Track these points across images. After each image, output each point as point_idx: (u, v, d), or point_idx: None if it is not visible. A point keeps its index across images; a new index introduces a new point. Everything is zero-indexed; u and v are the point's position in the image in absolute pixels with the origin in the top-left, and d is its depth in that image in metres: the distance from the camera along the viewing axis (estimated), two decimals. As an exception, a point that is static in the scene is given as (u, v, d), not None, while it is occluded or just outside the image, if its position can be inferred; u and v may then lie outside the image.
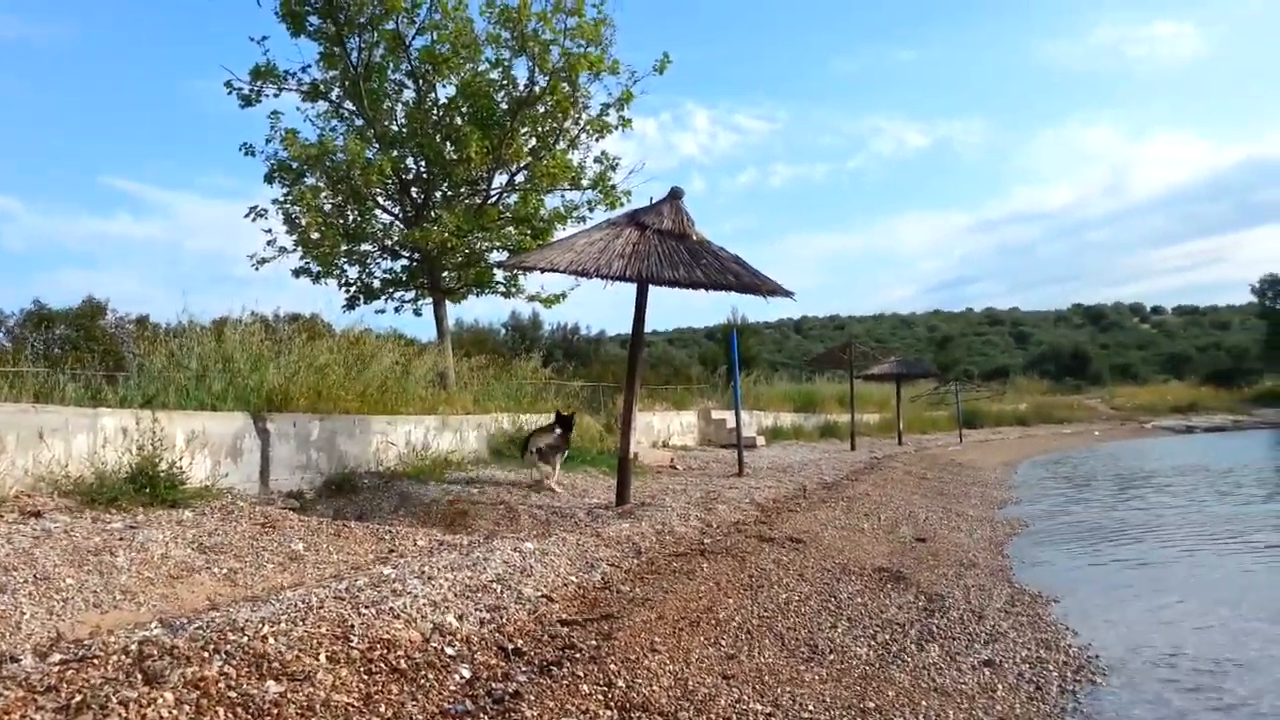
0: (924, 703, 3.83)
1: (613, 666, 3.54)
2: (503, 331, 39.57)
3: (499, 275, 15.18)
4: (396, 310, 15.96)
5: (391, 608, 3.96)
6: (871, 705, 3.68)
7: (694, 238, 8.41)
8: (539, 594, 4.61)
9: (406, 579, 4.53)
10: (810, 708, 3.53)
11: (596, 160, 14.74)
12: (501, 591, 4.53)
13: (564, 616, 4.33)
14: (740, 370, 23.37)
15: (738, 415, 14.93)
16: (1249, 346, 65.50)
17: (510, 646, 3.77)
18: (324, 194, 14.25)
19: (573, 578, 5.11)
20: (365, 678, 3.25)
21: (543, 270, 8.53)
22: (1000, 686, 4.22)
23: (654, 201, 8.68)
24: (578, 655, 3.66)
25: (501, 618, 4.13)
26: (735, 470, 13.85)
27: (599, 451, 13.95)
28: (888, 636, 4.82)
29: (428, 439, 11.37)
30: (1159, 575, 7.92)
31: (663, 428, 19.23)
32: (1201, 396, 51.30)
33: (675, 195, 8.61)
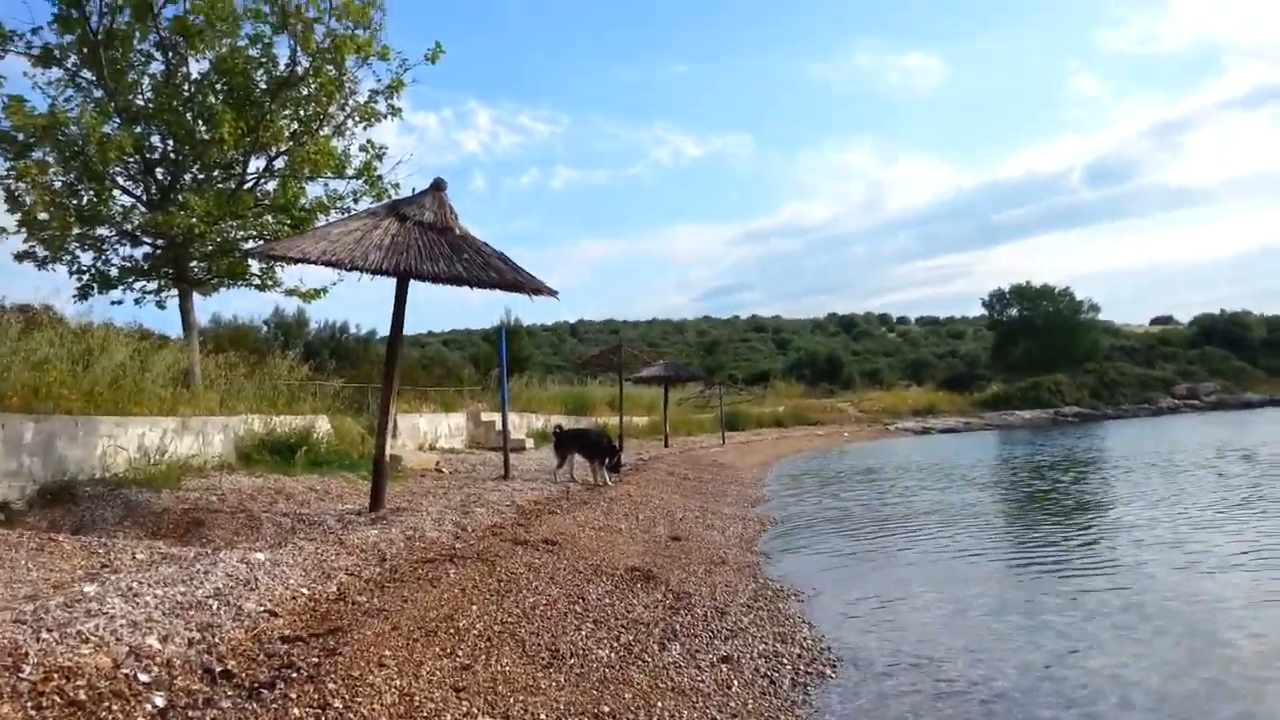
0: (659, 704, 3.84)
1: (331, 686, 3.29)
2: (265, 328, 37.25)
3: (254, 266, 14.15)
4: (137, 302, 14.52)
5: (81, 631, 3.51)
6: (606, 710, 3.64)
7: (457, 231, 8.16)
8: (261, 609, 4.25)
9: (107, 597, 4.05)
10: (542, 716, 3.44)
11: (362, 149, 14.06)
12: (218, 608, 4.14)
13: (287, 632, 4.01)
14: (511, 373, 23.20)
15: (504, 418, 14.74)
16: (979, 354, 72.40)
17: (219, 669, 3.42)
18: (54, 170, 12.73)
19: (304, 589, 4.76)
20: (33, 713, 2.84)
21: (293, 261, 7.99)
22: (736, 682, 4.31)
23: (416, 192, 8.37)
24: (294, 675, 3.38)
25: (214, 637, 3.76)
26: (501, 473, 13.67)
27: (360, 456, 13.35)
28: (631, 637, 4.82)
29: (164, 443, 10.40)
30: (890, 567, 8.51)
31: (430, 430, 18.71)
32: (938, 400, 56.06)
33: (438, 187, 8.34)
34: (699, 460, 22.74)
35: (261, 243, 13.47)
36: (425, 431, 18.39)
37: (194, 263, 13.84)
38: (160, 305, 14.39)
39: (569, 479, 13.16)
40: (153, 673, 3.28)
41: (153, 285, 14.12)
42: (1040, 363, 58.92)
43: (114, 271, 13.66)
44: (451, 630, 4.37)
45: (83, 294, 13.51)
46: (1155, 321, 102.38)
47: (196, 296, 14.42)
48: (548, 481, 12.85)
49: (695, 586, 6.51)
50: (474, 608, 4.91)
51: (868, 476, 19.75)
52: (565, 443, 13.42)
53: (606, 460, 13.08)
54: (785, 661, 4.72)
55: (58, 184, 12.95)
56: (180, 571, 4.88)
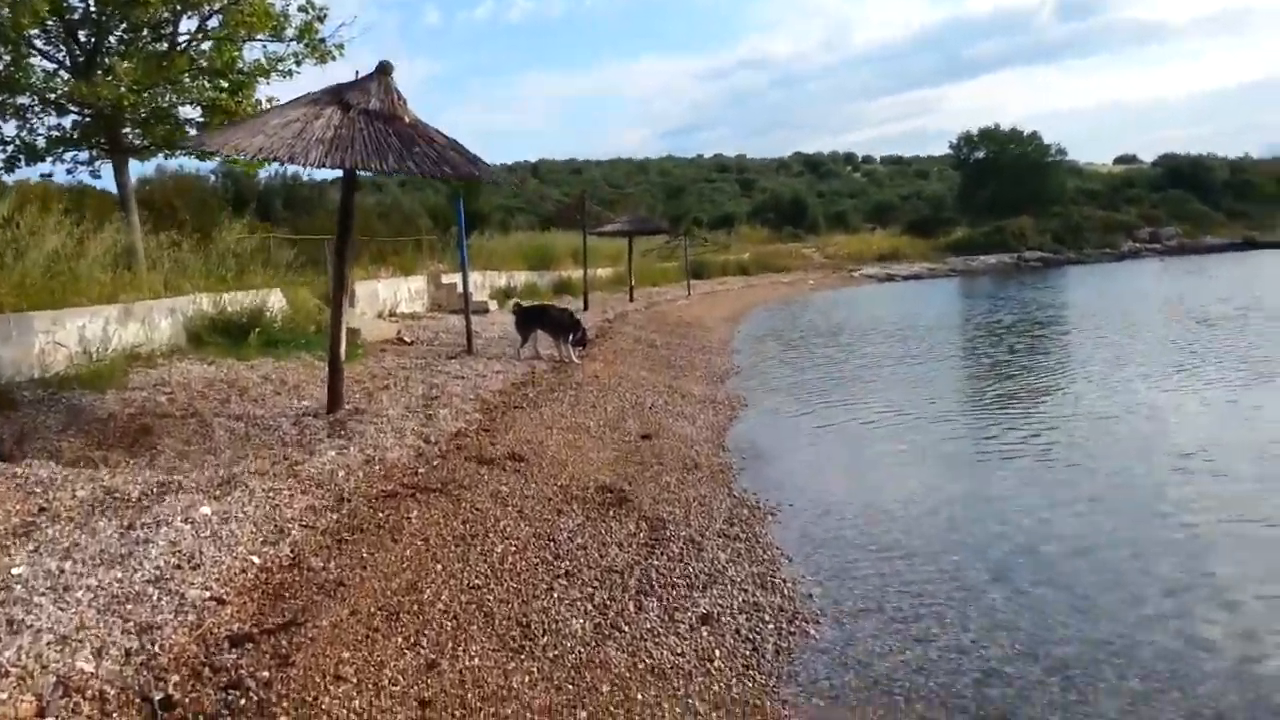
0: (640, 696, 3.63)
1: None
2: (212, 178, 35.58)
3: (192, 133, 13.20)
4: (69, 173, 13.62)
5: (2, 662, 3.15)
6: (584, 716, 3.42)
7: (406, 120, 7.46)
8: (207, 594, 3.93)
9: (35, 596, 3.69)
10: (517, 734, 3.21)
11: (300, 9, 12.89)
12: (159, 598, 3.81)
13: (236, 628, 3.70)
14: (471, 230, 22.42)
15: (465, 293, 14.23)
16: (944, 196, 71.81)
17: (159, 696, 3.12)
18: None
19: (254, 557, 4.44)
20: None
21: (225, 156, 7.30)
22: (718, 653, 4.11)
23: (359, 77, 7.59)
24: (243, 702, 3.09)
25: (155, 644, 3.44)
26: (464, 346, 13.29)
27: (316, 330, 12.79)
28: (606, 595, 4.60)
29: (108, 333, 9.81)
30: (865, 463, 8.40)
31: (389, 296, 18.14)
32: (902, 245, 55.88)
33: (384, 70, 7.56)
34: (665, 318, 22.49)
35: (199, 109, 12.48)
36: (384, 298, 17.83)
37: (127, 130, 12.85)
38: (95, 175, 13.50)
39: (533, 355, 12.83)
40: (85, 711, 2.96)
41: (84, 155, 13.16)
42: (1006, 206, 58.61)
43: (40, 142, 12.67)
44: (416, 606, 4.10)
45: (8, 166, 12.63)
46: (1119, 160, 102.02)
47: (135, 163, 13.51)
48: (512, 359, 12.50)
49: (669, 509, 6.29)
50: (439, 567, 4.63)
51: (831, 340, 19.64)
52: (526, 321, 13.00)
53: (570, 336, 12.71)
54: (767, 617, 4.53)
55: (-33, 48, 11.79)
56: (119, 535, 4.52)
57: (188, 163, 19.74)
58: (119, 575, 3.98)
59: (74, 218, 11.28)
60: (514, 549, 5.07)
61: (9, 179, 14.67)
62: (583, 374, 11.69)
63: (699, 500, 6.66)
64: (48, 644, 3.29)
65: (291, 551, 4.62)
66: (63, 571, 3.99)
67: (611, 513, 6.03)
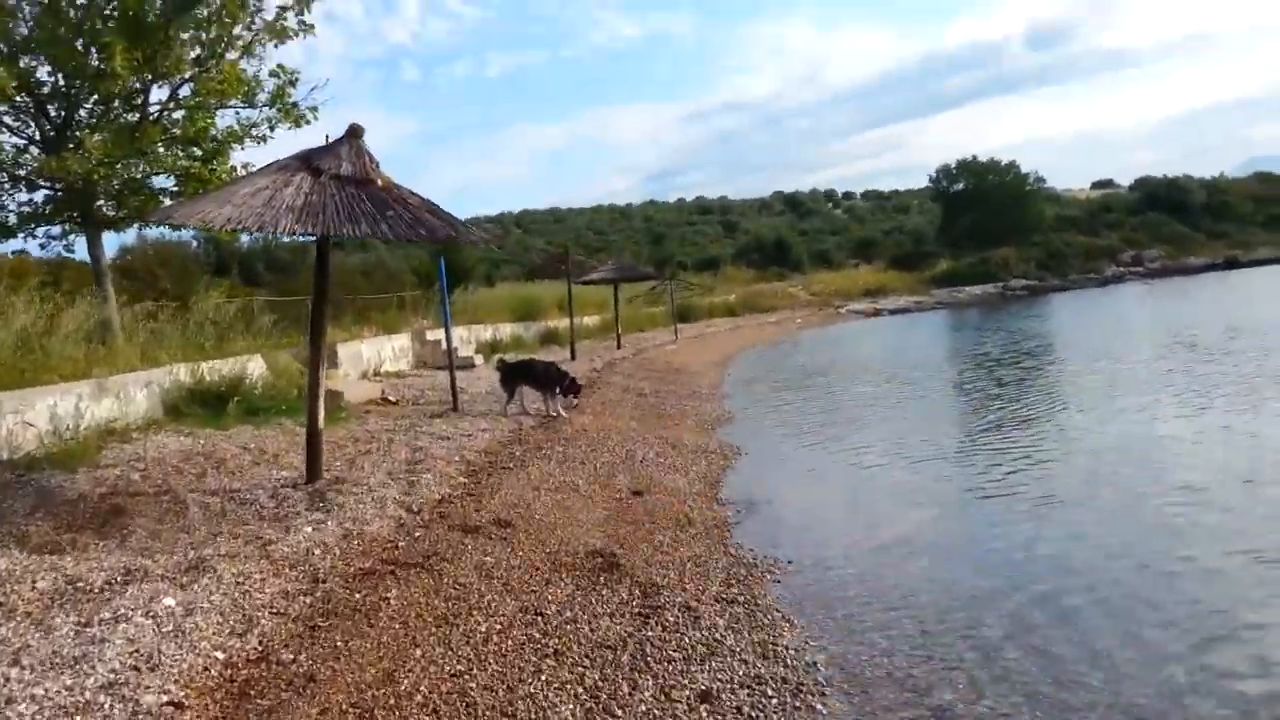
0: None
1: None
2: (194, 244, 35.45)
3: (168, 203, 13.02)
4: (42, 248, 13.42)
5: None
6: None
7: (379, 183, 7.27)
8: (165, 699, 3.64)
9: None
10: None
11: (273, 74, 12.78)
12: (112, 707, 3.52)
13: (194, 738, 3.41)
14: (455, 286, 22.25)
15: (449, 347, 14.01)
16: (926, 229, 72.31)
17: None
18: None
19: (219, 653, 4.15)
20: None
21: (194, 228, 7.10)
22: (718, 736, 3.83)
23: (330, 141, 7.42)
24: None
25: (102, 764, 3.15)
26: (450, 404, 13.04)
27: (298, 394, 12.51)
28: (598, 676, 4.30)
29: (80, 410, 9.50)
30: (863, 510, 8.14)
31: (373, 355, 17.88)
32: (888, 280, 56.13)
33: (355, 133, 7.38)
34: (654, 365, 22.29)
35: (173, 179, 12.30)
36: (368, 357, 17.57)
37: (100, 203, 12.66)
38: (68, 249, 13.28)
39: (520, 411, 12.58)
40: None
41: (57, 230, 12.97)
42: (988, 236, 58.97)
43: (12, 219, 12.45)
44: (391, 701, 3.81)
45: (-21, 243, 12.36)
46: (1096, 185, 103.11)
47: (110, 234, 13.32)
48: (498, 415, 12.24)
49: (663, 572, 6.01)
50: (418, 652, 4.35)
51: (821, 381, 19.44)
52: (511, 376, 12.76)
53: (557, 389, 12.47)
54: (770, 692, 4.25)
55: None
56: (74, 634, 4.23)
57: (168, 230, 19.58)
58: (69, 682, 3.69)
59: (45, 293, 11.04)
60: (499, 627, 4.78)
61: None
62: (571, 428, 11.43)
63: (694, 560, 6.38)
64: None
65: (260, 644, 4.33)
66: (7, 680, 3.69)
67: (602, 579, 5.75)
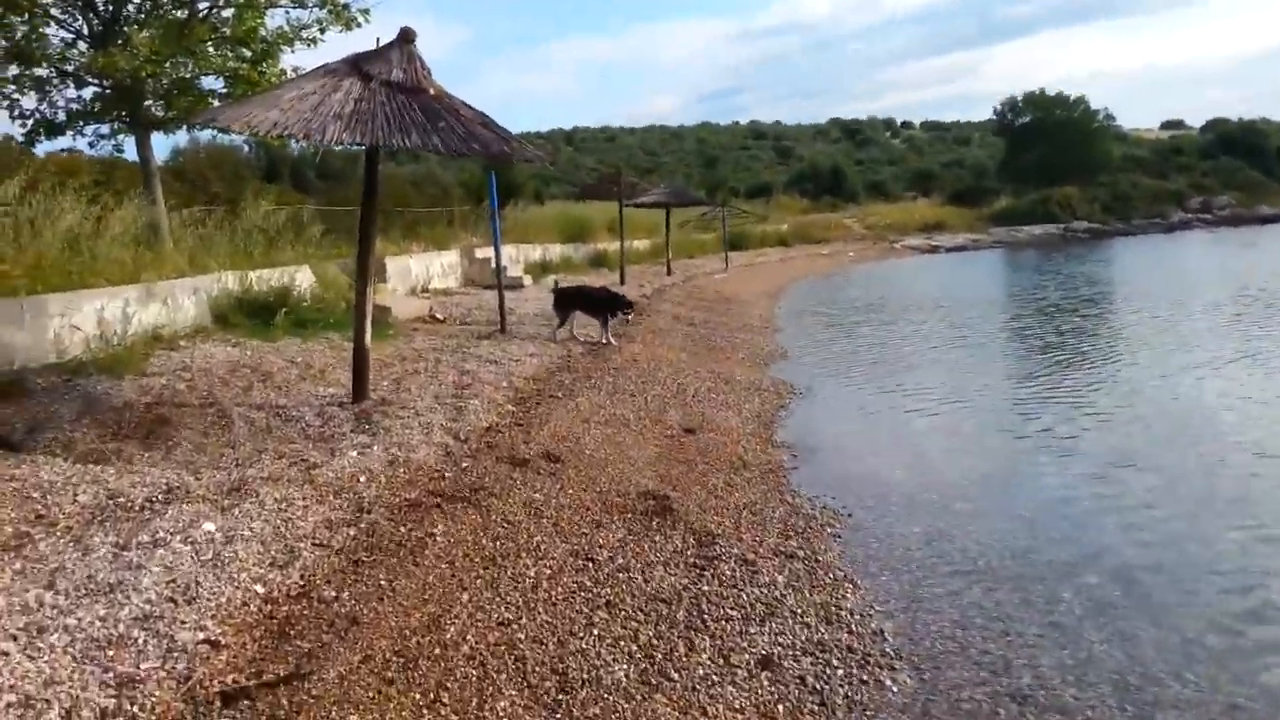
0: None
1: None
2: (246, 149, 35.30)
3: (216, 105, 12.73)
4: (91, 146, 13.21)
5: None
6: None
7: (431, 91, 6.90)
8: (201, 636, 3.46)
9: (3, 639, 3.23)
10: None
11: (324, -28, 12.31)
12: (146, 642, 3.35)
13: (230, 679, 3.22)
14: (505, 203, 21.87)
15: (498, 266, 13.72)
16: (987, 164, 69.98)
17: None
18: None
19: (258, 586, 3.97)
20: None
21: (238, 132, 6.80)
22: (782, 709, 3.58)
23: (380, 45, 7.03)
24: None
25: (135, 703, 2.97)
26: (497, 325, 12.82)
27: (346, 307, 12.32)
28: (652, 633, 4.07)
29: (128, 315, 9.41)
30: (924, 461, 7.80)
31: (421, 271, 17.67)
32: (946, 215, 54.53)
33: (407, 38, 6.98)
34: (704, 293, 21.88)
35: (221, 80, 11.97)
36: (416, 273, 17.37)
37: (149, 102, 12.39)
38: (118, 149, 13.08)
39: (569, 336, 12.30)
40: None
41: (106, 128, 12.75)
42: (1052, 173, 56.77)
43: (60, 116, 12.24)
44: (436, 650, 3.61)
45: (29, 140, 12.19)
46: (1165, 126, 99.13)
47: (159, 135, 13.09)
48: (547, 340, 11.99)
49: (718, 519, 5.75)
50: (465, 597, 4.14)
51: (876, 318, 18.94)
52: (565, 301, 12.43)
53: (609, 315, 12.13)
54: (835, 662, 3.99)
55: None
56: (112, 557, 4.07)
57: (220, 133, 19.36)
58: (103, 612, 3.52)
59: (92, 193, 10.87)
60: (549, 572, 4.56)
61: (38, 152, 14.34)
62: (620, 357, 11.15)
63: (750, 508, 6.11)
64: (7, 706, 2.82)
65: (301, 578, 4.14)
66: (41, 605, 3.53)
67: (655, 524, 5.51)
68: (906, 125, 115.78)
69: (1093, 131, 62.57)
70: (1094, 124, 63.55)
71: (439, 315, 14.25)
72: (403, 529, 4.87)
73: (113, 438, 6.63)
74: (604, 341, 11.94)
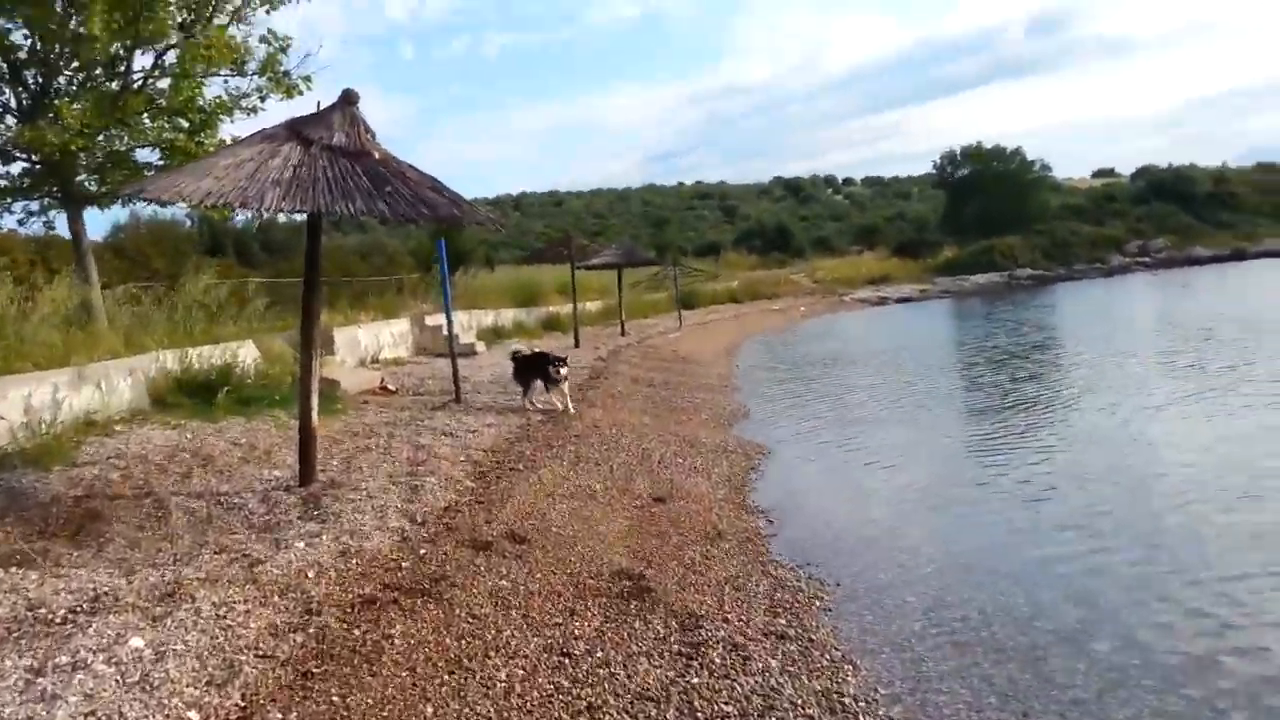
0: None
1: None
2: (188, 223, 34.63)
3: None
4: (20, 224, 12.64)
5: None
6: None
7: (375, 155, 6.56)
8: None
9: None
10: None
11: (264, 40, 12.00)
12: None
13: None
14: (454, 269, 21.51)
15: (450, 333, 13.30)
16: (928, 216, 71.41)
17: None
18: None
19: (192, 713, 3.47)
20: None
21: (167, 203, 6.39)
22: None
23: (321, 108, 6.69)
24: None
25: None
26: (451, 395, 12.36)
27: (292, 383, 11.77)
28: (642, 741, 3.64)
29: (58, 400, 8.82)
30: (903, 519, 7.47)
31: (371, 341, 17.14)
32: (892, 268, 55.26)
33: (349, 100, 6.66)
34: (660, 353, 21.59)
35: (157, 151, 11.54)
36: (366, 344, 16.83)
37: (81, 177, 11.90)
38: (48, 226, 12.53)
39: (532, 407, 11.85)
40: None
41: (35, 205, 12.21)
42: (992, 224, 58.06)
43: (-12, 192, 11.71)
44: (401, 781, 3.15)
45: (-46, 219, 11.62)
46: (1097, 174, 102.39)
47: (93, 211, 12.57)
48: (504, 408, 11.56)
49: (699, 598, 5.35)
50: (428, 710, 3.68)
51: (833, 373, 18.79)
52: (525, 369, 12.01)
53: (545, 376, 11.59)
54: (844, 762, 3.59)
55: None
56: (23, 686, 3.56)
57: (159, 208, 18.82)
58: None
59: (20, 272, 10.32)
60: (521, 674, 4.11)
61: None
62: (581, 423, 10.75)
63: (731, 582, 5.72)
64: None
65: (242, 698, 3.65)
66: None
67: (633, 607, 5.08)
68: (848, 182, 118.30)
69: (1030, 182, 64.27)
70: (1030, 174, 65.26)
71: (390, 386, 13.77)
72: (356, 631, 4.39)
73: (39, 536, 6.09)
74: (562, 408, 11.54)
